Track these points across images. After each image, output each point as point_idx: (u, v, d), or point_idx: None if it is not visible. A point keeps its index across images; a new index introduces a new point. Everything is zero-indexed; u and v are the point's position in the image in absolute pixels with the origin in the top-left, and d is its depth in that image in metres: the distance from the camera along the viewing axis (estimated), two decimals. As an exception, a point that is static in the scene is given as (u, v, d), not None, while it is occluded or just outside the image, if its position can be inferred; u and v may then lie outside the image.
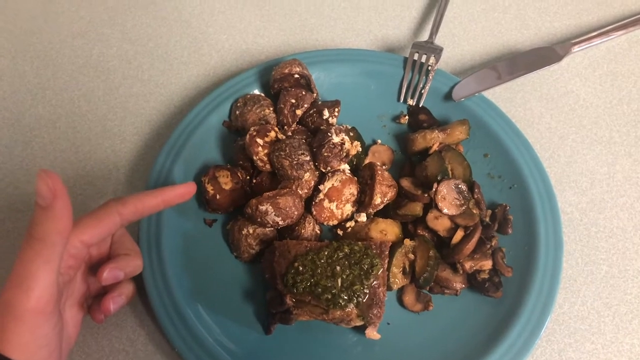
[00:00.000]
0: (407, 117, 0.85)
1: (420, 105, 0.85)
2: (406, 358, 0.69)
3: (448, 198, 0.73)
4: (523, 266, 0.73)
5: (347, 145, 0.74)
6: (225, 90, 0.83)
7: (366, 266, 0.67)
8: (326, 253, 0.67)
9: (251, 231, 0.72)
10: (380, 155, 0.82)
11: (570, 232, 0.79)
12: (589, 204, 0.81)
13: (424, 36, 0.95)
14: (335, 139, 0.73)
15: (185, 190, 0.65)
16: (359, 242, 0.69)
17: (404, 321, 0.71)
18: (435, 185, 0.73)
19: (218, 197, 0.75)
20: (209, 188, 0.75)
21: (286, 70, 0.80)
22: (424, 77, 0.86)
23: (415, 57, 0.87)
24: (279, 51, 0.94)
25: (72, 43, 0.93)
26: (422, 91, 0.85)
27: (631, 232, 0.79)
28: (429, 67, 0.86)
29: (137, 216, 0.62)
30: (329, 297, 0.65)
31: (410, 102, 0.85)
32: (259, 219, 0.71)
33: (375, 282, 0.67)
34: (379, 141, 0.83)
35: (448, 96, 0.85)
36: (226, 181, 0.75)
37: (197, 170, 0.78)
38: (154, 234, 0.72)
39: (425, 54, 0.87)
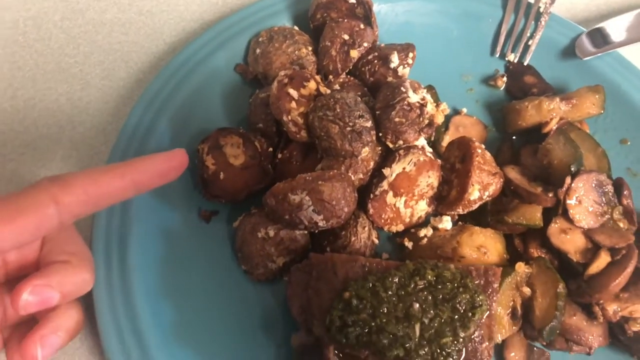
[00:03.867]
0: (505, 78, 0.64)
1: (526, 63, 0.64)
2: None
3: (585, 202, 0.50)
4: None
5: (430, 107, 0.51)
6: (242, 19, 0.62)
7: (464, 306, 0.44)
8: (397, 280, 0.46)
9: (272, 234, 0.51)
10: (467, 131, 0.60)
11: None
12: None
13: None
14: (413, 98, 0.51)
15: (170, 164, 0.45)
16: (451, 266, 0.46)
17: (508, 392, 0.48)
18: (567, 180, 0.49)
19: (222, 176, 0.53)
20: (210, 162, 0.54)
21: (336, -8, 0.55)
22: (533, 23, 0.64)
23: (520, -5, 0.64)
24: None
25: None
26: (530, 42, 0.65)
27: None
28: (541, 9, 0.64)
29: (88, 208, 0.42)
30: (400, 354, 0.43)
31: (511, 57, 0.66)
32: (287, 216, 0.48)
33: (476, 334, 0.45)
34: (464, 110, 0.63)
35: (568, 52, 0.65)
36: (236, 153, 0.55)
37: (192, 135, 0.57)
38: (116, 232, 0.51)
39: (533, -9, 0.64)
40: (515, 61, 0.64)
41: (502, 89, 0.64)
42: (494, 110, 0.62)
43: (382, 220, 0.52)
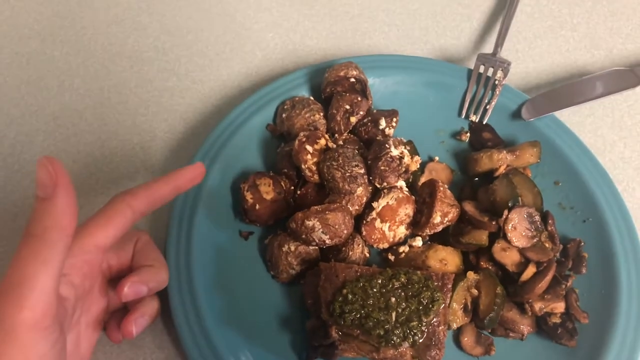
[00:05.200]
0: (468, 134, 0.77)
1: (484, 122, 0.78)
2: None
3: (519, 228, 0.65)
4: (600, 313, 0.64)
5: (407, 159, 0.66)
6: (272, 91, 0.75)
7: (426, 300, 0.58)
8: (380, 281, 0.59)
9: (292, 248, 0.65)
10: (438, 174, 0.74)
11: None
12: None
13: (486, 49, 0.88)
14: (394, 152, 0.65)
15: (194, 173, 0.58)
16: (418, 272, 0.60)
17: (463, 366, 0.62)
18: (505, 212, 0.64)
19: (258, 207, 0.67)
20: (248, 197, 0.67)
21: (341, 73, 0.72)
22: (490, 92, 0.78)
23: (481, 69, 0.79)
24: (328, 54, 0.87)
25: (107, 30, 0.86)
26: (487, 107, 0.78)
27: None
28: (496, 82, 0.78)
29: (150, 207, 0.54)
30: (382, 332, 0.57)
31: (473, 118, 0.78)
32: (303, 236, 0.63)
33: (435, 320, 0.58)
34: (437, 158, 0.75)
35: (515, 115, 0.77)
36: (268, 190, 0.68)
37: (236, 177, 0.71)
38: (183, 244, 0.65)
39: (492, 67, 0.79)
40: (477, 121, 0.77)
41: (466, 142, 0.76)
42: (459, 158, 0.75)
43: (372, 240, 0.66)
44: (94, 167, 0.75)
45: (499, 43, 0.84)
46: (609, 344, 0.61)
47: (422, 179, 0.72)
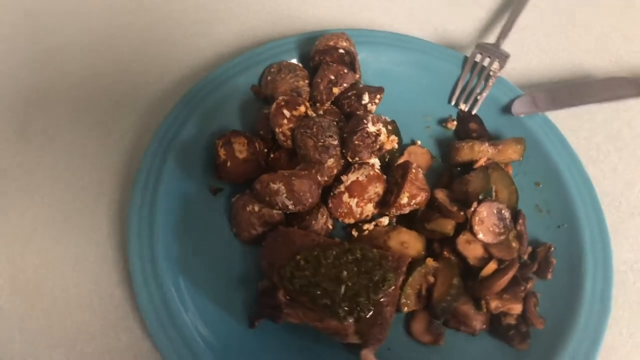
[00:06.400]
0: (455, 122, 0.76)
1: (473, 113, 0.76)
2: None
3: (487, 222, 0.63)
4: (558, 321, 0.63)
5: (383, 137, 0.65)
6: (262, 53, 0.75)
7: (377, 278, 0.58)
8: (334, 253, 0.59)
9: (256, 209, 0.65)
10: (417, 158, 0.72)
11: (619, 294, 0.67)
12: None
13: (490, 39, 0.85)
14: (371, 128, 0.64)
15: None
16: (374, 250, 0.60)
17: (408, 351, 0.62)
18: (474, 204, 0.63)
19: (229, 164, 0.68)
20: (222, 153, 0.68)
21: (331, 43, 0.71)
22: (483, 82, 0.76)
23: (478, 58, 0.78)
24: (324, 22, 0.85)
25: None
26: (478, 97, 0.76)
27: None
28: (491, 73, 0.76)
29: None
30: (328, 303, 0.57)
31: (463, 106, 0.77)
32: (267, 198, 0.62)
33: (383, 299, 0.58)
34: (419, 142, 0.74)
35: (506, 109, 0.75)
36: (241, 149, 0.68)
37: (212, 132, 0.71)
38: (150, 190, 0.65)
39: (489, 57, 0.77)
40: (466, 110, 0.75)
41: (452, 130, 0.75)
42: (442, 146, 0.74)
43: (338, 213, 0.66)
44: (90, 102, 0.76)
45: (503, 34, 0.82)
46: (560, 354, 0.60)
47: (400, 161, 0.71)
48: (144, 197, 0.64)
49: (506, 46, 0.80)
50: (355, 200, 0.66)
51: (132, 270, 0.61)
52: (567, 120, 0.79)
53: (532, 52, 0.86)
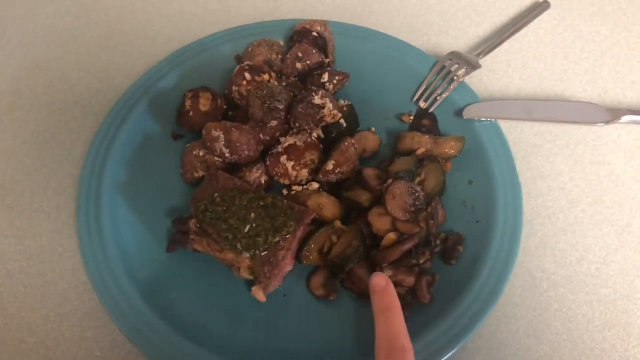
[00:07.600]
0: (411, 117, 0.80)
1: (430, 111, 0.80)
2: (281, 337, 0.65)
3: (398, 200, 0.67)
4: (445, 303, 0.65)
5: (326, 111, 0.71)
6: (251, 29, 0.85)
7: (278, 223, 0.64)
8: (249, 196, 0.66)
9: (201, 154, 0.73)
10: (366, 141, 0.77)
11: (530, 297, 0.68)
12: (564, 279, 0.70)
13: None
14: (317, 100, 0.71)
15: None
16: (285, 200, 0.66)
17: (301, 300, 0.67)
18: (390, 180, 0.68)
19: (191, 114, 0.77)
20: (187, 104, 0.77)
21: (307, 26, 0.80)
22: (446, 85, 0.80)
23: (447, 64, 0.82)
24: (323, 13, 0.94)
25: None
26: (438, 97, 0.80)
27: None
28: (455, 77, 0.80)
29: None
30: (229, 236, 0.64)
31: (422, 104, 0.81)
32: (208, 143, 0.71)
33: (281, 243, 0.64)
34: (373, 129, 0.79)
35: (460, 113, 0.79)
36: (205, 103, 0.77)
37: (189, 85, 0.79)
38: (119, 120, 0.76)
39: (458, 64, 0.81)
40: (424, 108, 0.79)
41: (407, 124, 0.79)
42: (394, 136, 0.78)
43: (274, 172, 0.71)
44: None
45: (486, 50, 0.86)
46: (434, 330, 0.62)
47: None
48: (107, 132, 0.75)
49: (494, 63, 0.85)
50: (292, 163, 0.73)
51: (79, 196, 0.71)
52: (528, 137, 0.81)
53: (517, 75, 0.88)
